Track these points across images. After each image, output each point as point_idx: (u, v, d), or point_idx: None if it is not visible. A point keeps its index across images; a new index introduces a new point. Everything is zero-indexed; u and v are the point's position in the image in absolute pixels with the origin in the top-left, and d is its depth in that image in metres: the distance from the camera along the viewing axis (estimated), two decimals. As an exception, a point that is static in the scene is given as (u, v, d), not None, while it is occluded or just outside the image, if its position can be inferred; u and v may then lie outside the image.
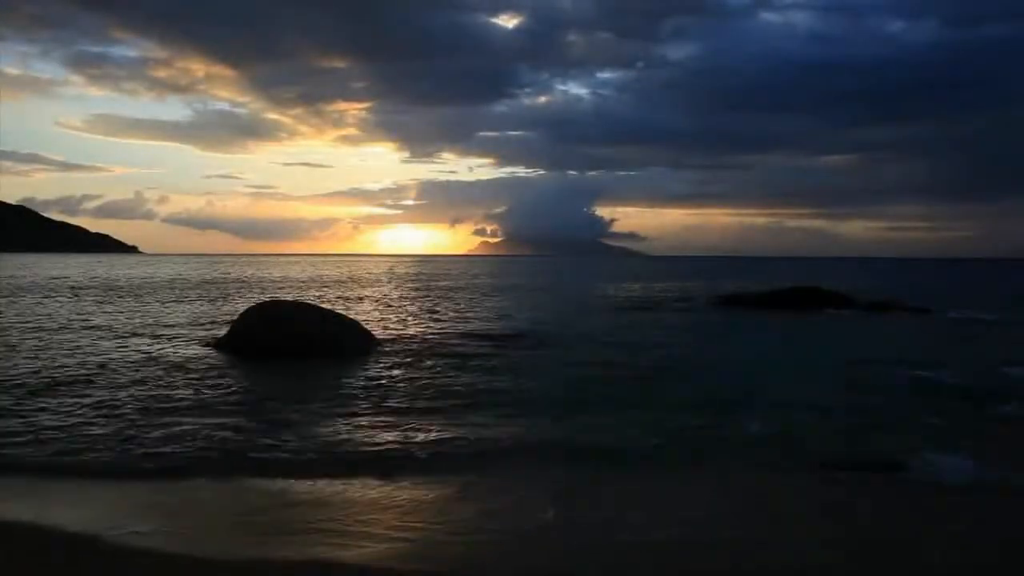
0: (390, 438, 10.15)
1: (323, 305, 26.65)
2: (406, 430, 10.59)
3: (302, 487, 8.17)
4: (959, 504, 7.82)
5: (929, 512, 7.64)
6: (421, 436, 10.25)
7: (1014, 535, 6.97)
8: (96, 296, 39.36)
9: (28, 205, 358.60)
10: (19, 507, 7.44)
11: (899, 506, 7.78)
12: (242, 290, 47.60)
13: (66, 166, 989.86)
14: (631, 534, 6.75)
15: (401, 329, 23.98)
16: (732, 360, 17.58)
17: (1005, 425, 11.32)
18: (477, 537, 6.67)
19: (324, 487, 8.15)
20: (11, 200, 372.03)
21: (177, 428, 10.57)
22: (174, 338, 21.05)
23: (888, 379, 14.99)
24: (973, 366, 16.68)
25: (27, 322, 25.04)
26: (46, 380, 14.09)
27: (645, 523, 7.09)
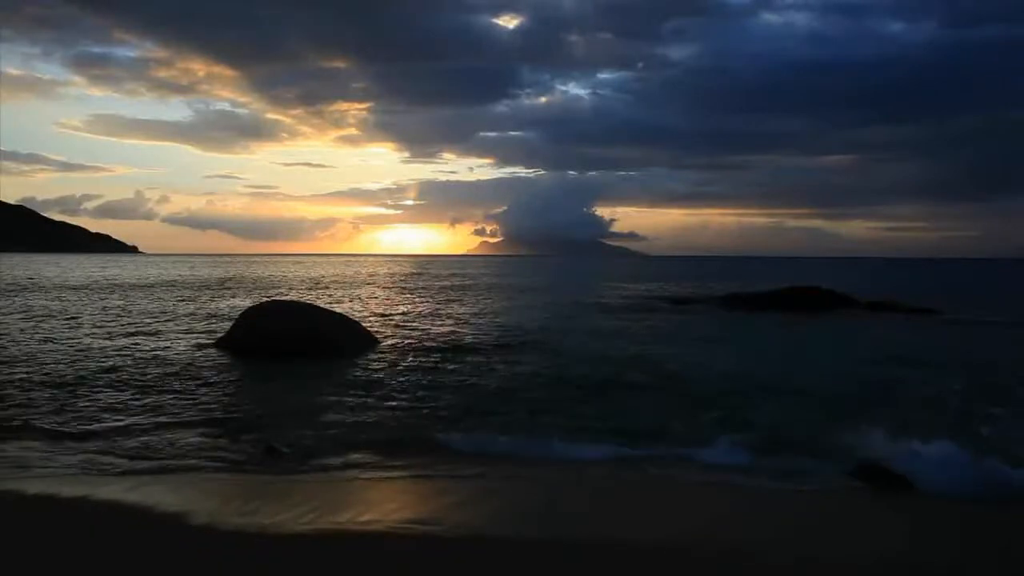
0: (386, 439, 10.19)
1: (323, 305, 26.67)
2: (403, 433, 10.66)
3: (297, 482, 8.26)
4: (964, 514, 7.75)
5: (933, 521, 7.59)
6: (416, 440, 10.28)
7: (1016, 545, 6.94)
8: (96, 296, 39.38)
9: (28, 205, 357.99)
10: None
11: (905, 516, 7.69)
12: (242, 290, 47.62)
13: (67, 166, 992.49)
14: (630, 533, 6.75)
15: (400, 329, 23.99)
16: (736, 365, 17.21)
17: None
18: (476, 520, 6.85)
19: (320, 483, 8.22)
20: (11, 200, 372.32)
21: (175, 426, 10.66)
22: (174, 338, 21.06)
23: (898, 384, 14.54)
24: (983, 369, 16.38)
25: (26, 323, 25.06)
26: (48, 381, 14.11)
27: (645, 523, 7.10)
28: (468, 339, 21.15)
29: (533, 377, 15.03)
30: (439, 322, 26.75)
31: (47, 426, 10.70)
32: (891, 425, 10.89)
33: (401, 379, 14.69)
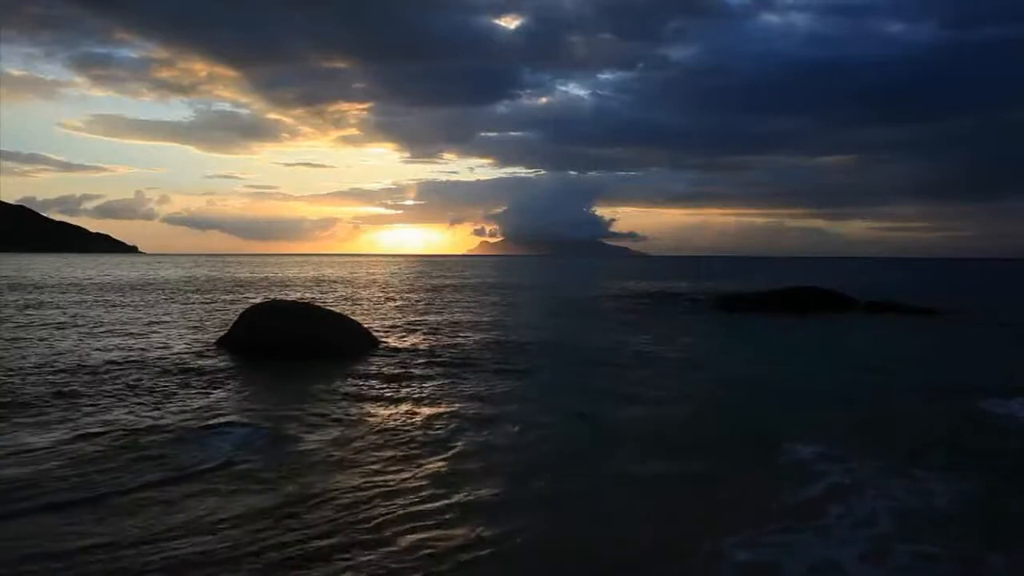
0: (386, 439, 10.23)
1: (323, 305, 26.64)
2: (400, 432, 10.70)
3: (292, 481, 8.27)
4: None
5: None
6: (416, 440, 10.34)
7: None
8: (95, 296, 39.34)
9: (28, 205, 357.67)
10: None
11: None
12: (242, 290, 47.60)
13: (67, 166, 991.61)
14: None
15: (400, 331, 23.97)
16: (748, 375, 16.50)
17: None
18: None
19: (316, 480, 8.22)
20: (11, 200, 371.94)
21: (173, 425, 10.66)
22: (173, 337, 21.04)
23: (913, 396, 13.86)
24: (992, 373, 16.14)
25: (23, 322, 25.05)
26: (47, 382, 14.11)
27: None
28: (466, 344, 21.01)
29: (534, 397, 13.45)
30: (438, 324, 26.72)
31: (43, 427, 10.70)
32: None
33: (398, 385, 14.48)
